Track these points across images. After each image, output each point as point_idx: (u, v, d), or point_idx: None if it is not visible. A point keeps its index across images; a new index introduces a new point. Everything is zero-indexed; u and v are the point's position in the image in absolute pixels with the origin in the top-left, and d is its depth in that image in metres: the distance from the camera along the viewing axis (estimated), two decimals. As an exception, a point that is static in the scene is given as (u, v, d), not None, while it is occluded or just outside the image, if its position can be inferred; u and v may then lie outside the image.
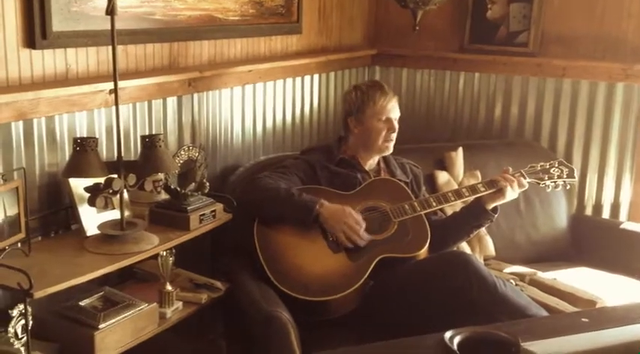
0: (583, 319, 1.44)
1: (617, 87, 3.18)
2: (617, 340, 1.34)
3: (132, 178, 2.01)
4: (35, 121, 1.99)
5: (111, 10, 1.86)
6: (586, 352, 1.31)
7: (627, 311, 1.53)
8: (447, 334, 1.36)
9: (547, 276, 2.72)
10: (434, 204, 2.48)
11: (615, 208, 3.30)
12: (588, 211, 3.36)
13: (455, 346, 1.33)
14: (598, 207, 3.34)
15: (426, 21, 3.32)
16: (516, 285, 2.56)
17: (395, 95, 2.65)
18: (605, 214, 3.33)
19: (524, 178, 2.52)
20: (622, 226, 3.11)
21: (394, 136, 2.61)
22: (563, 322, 1.47)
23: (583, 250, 3.11)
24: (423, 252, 2.38)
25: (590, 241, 3.14)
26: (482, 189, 2.49)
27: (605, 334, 1.36)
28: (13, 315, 1.74)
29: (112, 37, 1.89)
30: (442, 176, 2.97)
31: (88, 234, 2.07)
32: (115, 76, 1.93)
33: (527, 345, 1.32)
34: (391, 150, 2.64)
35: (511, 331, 1.38)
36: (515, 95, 3.42)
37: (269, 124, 3.01)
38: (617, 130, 3.22)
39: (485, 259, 2.89)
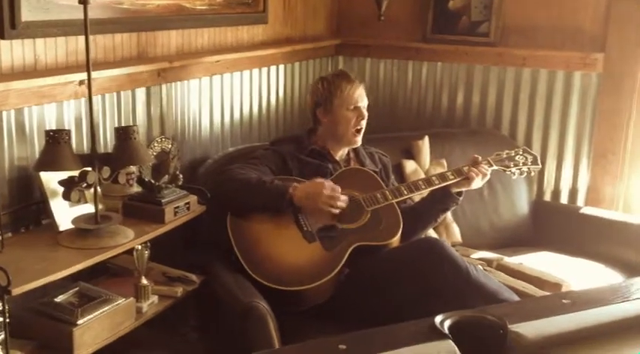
0: (564, 301, 1.48)
1: (575, 75, 3.26)
2: (600, 320, 1.39)
3: (106, 171, 1.98)
4: (4, 113, 1.94)
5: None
6: (572, 331, 1.35)
7: (603, 292, 1.58)
8: (438, 319, 1.38)
9: (513, 261, 2.79)
10: (405, 192, 2.51)
11: (573, 193, 3.39)
12: (547, 197, 3.45)
13: (446, 330, 1.35)
14: (557, 192, 3.43)
15: (389, 11, 3.35)
16: (484, 270, 2.62)
17: (361, 83, 2.67)
18: (564, 199, 3.42)
19: (491, 166, 2.58)
20: (581, 211, 3.21)
21: (364, 123, 2.63)
22: (546, 304, 1.51)
23: (544, 234, 3.19)
24: (396, 239, 2.42)
25: (551, 225, 3.23)
26: (452, 177, 2.54)
27: (588, 314, 1.40)
28: (-10, 313, 1.70)
29: (85, 27, 1.86)
30: (409, 165, 3.01)
31: (61, 229, 2.03)
32: (88, 66, 1.89)
33: (514, 327, 1.36)
34: (359, 143, 2.66)
35: (497, 313, 1.41)
36: (477, 84, 3.48)
37: (236, 115, 3.00)
38: (575, 118, 3.31)
39: (452, 246, 2.93)
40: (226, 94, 2.91)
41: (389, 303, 2.25)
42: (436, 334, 1.36)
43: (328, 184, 2.38)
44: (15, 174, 2.02)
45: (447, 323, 1.39)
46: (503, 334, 1.37)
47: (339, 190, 2.38)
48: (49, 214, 2.05)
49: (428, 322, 1.41)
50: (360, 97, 2.63)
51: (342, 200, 2.38)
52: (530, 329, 1.36)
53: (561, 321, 1.39)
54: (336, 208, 2.36)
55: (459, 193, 2.57)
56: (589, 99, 3.26)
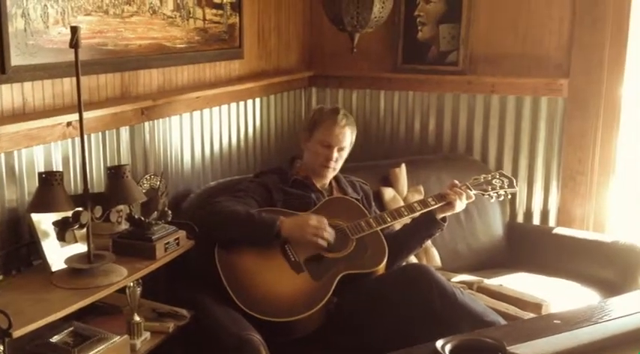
0: (555, 321, 1.55)
1: (542, 101, 3.39)
2: (592, 338, 1.46)
3: (98, 210, 1.99)
4: (-5, 157, 1.96)
5: (75, 43, 1.86)
6: (567, 350, 1.42)
7: (591, 311, 1.65)
8: (439, 343, 1.44)
9: (492, 282, 2.87)
10: (389, 219, 2.57)
11: (545, 214, 3.50)
12: (520, 219, 3.55)
13: (447, 355, 1.41)
14: (529, 214, 3.54)
15: (360, 43, 3.43)
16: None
17: (347, 126, 2.69)
18: (536, 220, 3.53)
19: (471, 191, 2.66)
20: (554, 232, 3.31)
21: (332, 163, 2.66)
22: (538, 325, 1.58)
23: (519, 255, 3.29)
24: (382, 266, 2.47)
25: (525, 246, 3.33)
26: (433, 203, 2.61)
27: (580, 333, 1.47)
28: (-11, 357, 1.70)
29: (76, 70, 1.88)
30: (388, 192, 3.08)
31: (54, 269, 2.03)
32: (79, 108, 1.91)
33: (512, 348, 1.42)
34: (329, 177, 2.72)
35: (494, 336, 1.47)
36: (448, 111, 3.58)
37: (216, 148, 3.04)
38: (544, 141, 3.43)
39: (433, 270, 3.00)
40: (206, 129, 2.95)
41: (379, 329, 2.29)
42: (438, 359, 1.42)
43: (315, 216, 2.42)
44: (6, 216, 2.03)
45: (448, 347, 1.44)
46: (502, 355, 1.43)
47: (326, 222, 2.43)
48: (40, 255, 2.05)
49: (430, 348, 1.46)
50: (337, 139, 2.66)
51: (329, 232, 2.42)
52: (528, 350, 1.42)
53: (556, 340, 1.46)
54: (323, 241, 2.41)
55: (444, 219, 2.64)
56: (556, 123, 3.39)
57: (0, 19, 1.91)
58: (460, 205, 2.60)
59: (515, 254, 3.30)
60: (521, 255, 3.28)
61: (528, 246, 3.32)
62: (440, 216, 2.62)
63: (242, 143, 3.23)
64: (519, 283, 2.92)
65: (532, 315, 2.54)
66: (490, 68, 3.48)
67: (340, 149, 2.68)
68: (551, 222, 3.49)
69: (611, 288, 2.91)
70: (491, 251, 3.30)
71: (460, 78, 3.51)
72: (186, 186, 2.85)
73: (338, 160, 2.69)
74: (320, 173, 2.69)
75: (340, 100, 3.78)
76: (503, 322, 2.32)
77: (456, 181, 2.66)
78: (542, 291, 2.79)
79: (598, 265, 3.07)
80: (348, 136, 2.69)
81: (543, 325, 1.56)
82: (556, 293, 2.82)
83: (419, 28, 3.56)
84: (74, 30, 1.85)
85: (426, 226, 2.64)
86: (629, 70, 3.26)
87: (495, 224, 3.33)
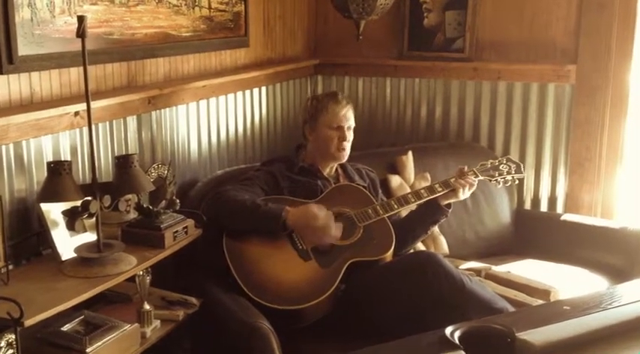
0: (565, 307, 1.55)
1: (549, 87, 3.38)
2: (601, 324, 1.46)
3: (107, 200, 2.00)
4: (4, 147, 1.96)
5: (82, 33, 1.85)
6: (576, 336, 1.42)
7: (599, 298, 1.65)
8: (448, 330, 1.44)
9: (500, 269, 2.87)
10: (395, 206, 2.57)
11: (552, 201, 3.50)
12: (527, 205, 3.55)
13: (457, 341, 1.41)
14: (536, 201, 3.53)
15: (365, 30, 3.42)
16: (476, 280, 2.69)
17: (349, 104, 2.73)
18: (544, 207, 3.52)
19: (477, 176, 2.66)
20: (562, 218, 3.31)
21: (346, 144, 2.68)
22: (548, 312, 1.58)
23: (526, 242, 3.28)
24: (389, 253, 2.47)
25: (533, 233, 3.32)
26: (440, 189, 2.61)
27: (590, 319, 1.47)
28: (0, 346, 1.70)
29: (83, 59, 1.88)
30: (395, 180, 3.08)
31: (63, 258, 2.04)
32: (87, 97, 1.92)
33: (522, 335, 1.42)
34: (345, 158, 2.72)
35: (504, 322, 1.47)
36: (454, 98, 3.57)
37: (223, 137, 3.04)
38: (551, 128, 3.42)
39: (440, 258, 3.01)
40: (213, 118, 2.95)
41: (387, 316, 2.30)
42: (448, 346, 1.42)
43: (321, 213, 2.40)
44: (15, 206, 2.03)
45: (457, 334, 1.45)
46: (512, 342, 1.43)
47: (332, 218, 2.41)
48: (49, 245, 2.06)
49: (438, 334, 1.47)
50: (345, 118, 2.69)
51: (335, 233, 2.40)
52: (537, 336, 1.42)
53: (565, 327, 1.46)
54: (329, 240, 2.40)
55: (448, 206, 2.64)
56: (564, 109, 3.38)
57: (7, 9, 1.91)
58: (464, 193, 2.60)
59: (523, 241, 3.29)
60: (529, 241, 3.28)
61: (536, 232, 3.31)
62: (444, 203, 2.62)
63: (248, 132, 3.23)
64: (527, 269, 2.92)
65: (540, 301, 2.55)
66: (496, 55, 3.47)
67: (349, 128, 2.69)
68: (559, 208, 3.49)
69: (619, 274, 2.91)
70: (499, 238, 3.29)
71: (466, 65, 3.50)
72: (193, 175, 2.85)
73: (349, 139, 2.69)
74: (336, 157, 2.68)
75: (346, 87, 3.77)
76: (511, 308, 2.33)
77: (464, 167, 2.66)
78: (550, 277, 2.80)
79: (606, 252, 3.06)
80: (352, 114, 2.72)
81: (553, 311, 1.57)
82: (564, 280, 2.82)
83: (425, 14, 3.54)
84: (80, 19, 1.85)
85: (430, 212, 2.64)
86: (637, 55, 3.23)
87: (503, 211, 3.33)
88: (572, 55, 3.32)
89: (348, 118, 2.70)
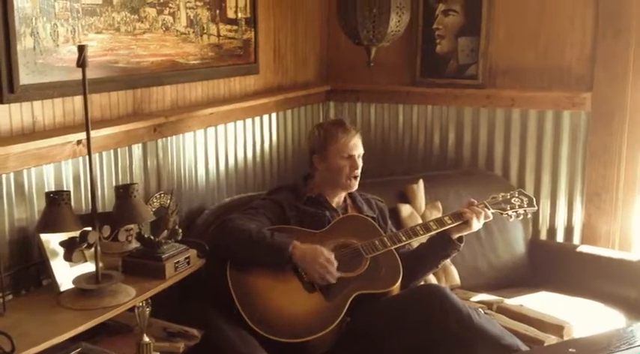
0: (570, 350, 1.48)
1: (564, 115, 3.32)
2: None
3: (106, 230, 1.98)
4: (4, 176, 1.94)
5: (82, 62, 1.84)
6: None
7: (608, 339, 1.59)
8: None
9: (513, 302, 2.79)
10: (403, 238, 2.52)
11: (569, 231, 3.42)
12: (543, 236, 3.47)
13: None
14: (552, 231, 3.45)
15: (378, 57, 3.39)
16: (485, 313, 2.61)
17: (357, 132, 2.69)
18: (559, 237, 3.44)
19: (488, 209, 2.59)
20: (578, 250, 3.22)
21: (358, 172, 2.65)
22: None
23: (541, 274, 3.20)
24: (396, 286, 2.41)
25: (548, 265, 3.24)
26: (449, 221, 2.55)
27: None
28: (-8, 381, 1.68)
29: (83, 89, 1.87)
30: (405, 209, 3.02)
31: (62, 289, 2.02)
32: (87, 126, 1.90)
33: (526, 378, 1.36)
34: (355, 187, 2.67)
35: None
36: (467, 126, 3.52)
37: (231, 165, 3.01)
38: (566, 156, 3.35)
39: (451, 289, 2.92)
40: (221, 145, 2.93)
41: (393, 351, 2.25)
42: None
43: (327, 254, 2.37)
44: (15, 235, 2.02)
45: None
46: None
47: (335, 264, 2.37)
48: (49, 275, 2.04)
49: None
50: (355, 147, 2.65)
51: (333, 275, 2.36)
52: (541, 380, 1.36)
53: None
54: (324, 281, 2.36)
55: (460, 239, 2.57)
56: (579, 137, 3.31)
57: (8, 39, 1.90)
58: (477, 224, 2.53)
59: (537, 272, 3.21)
60: (544, 273, 3.20)
61: (551, 264, 3.23)
62: (456, 236, 2.55)
63: (258, 159, 3.20)
64: (541, 302, 2.84)
65: (553, 337, 2.47)
66: (510, 82, 3.42)
67: (359, 156, 2.66)
68: (576, 239, 3.40)
69: (636, 308, 2.82)
70: (513, 269, 3.22)
71: (479, 92, 3.45)
72: (200, 202, 2.83)
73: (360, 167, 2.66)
74: (347, 186, 2.64)
75: (358, 114, 3.74)
76: (520, 344, 2.26)
77: (474, 200, 2.60)
78: (564, 311, 2.72)
79: (624, 285, 2.97)
80: (360, 141, 2.68)
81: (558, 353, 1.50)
82: (579, 314, 2.74)
83: (437, 41, 3.51)
84: (81, 49, 1.84)
85: (441, 246, 2.57)
86: (654, 82, 3.18)
87: (517, 241, 3.26)
88: (588, 82, 3.26)
89: (358, 146, 2.67)
